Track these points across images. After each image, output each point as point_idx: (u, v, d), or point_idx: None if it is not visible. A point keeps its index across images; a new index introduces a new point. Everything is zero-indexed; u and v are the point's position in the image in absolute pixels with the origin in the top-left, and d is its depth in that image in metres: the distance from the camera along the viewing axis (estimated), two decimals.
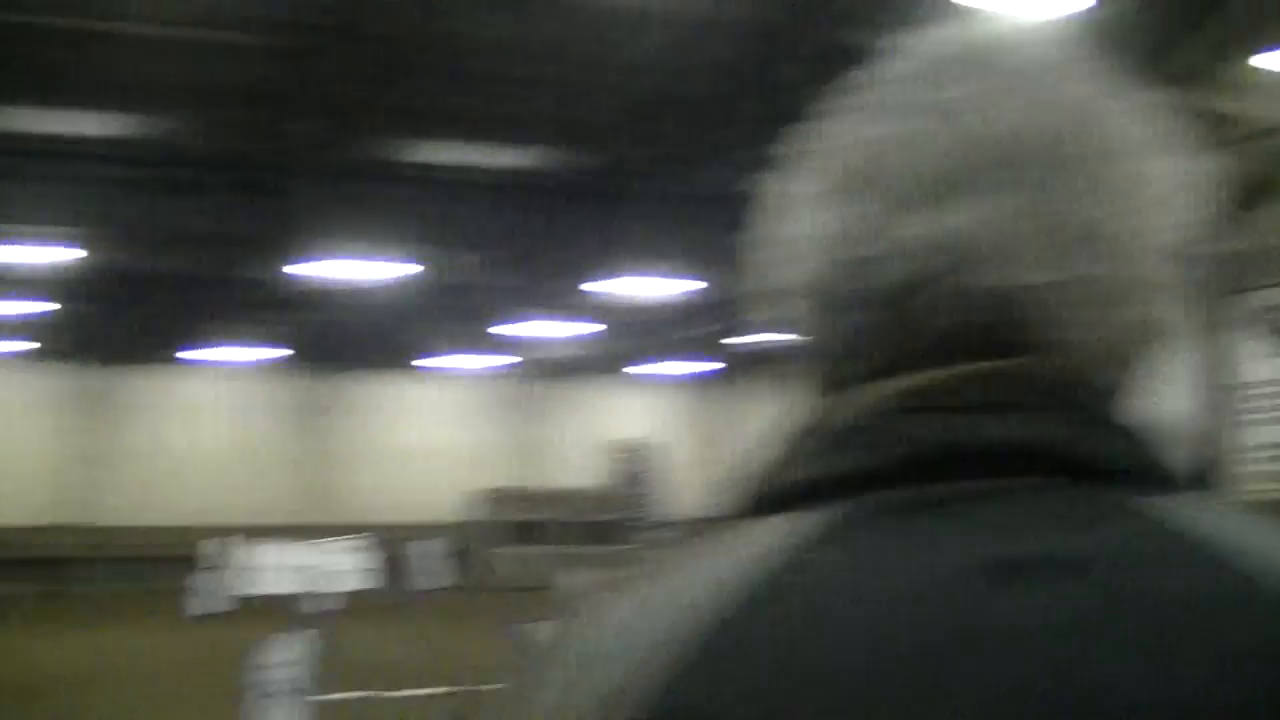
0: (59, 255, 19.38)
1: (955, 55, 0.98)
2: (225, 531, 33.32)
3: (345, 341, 31.21)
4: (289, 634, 12.40)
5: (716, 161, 16.45)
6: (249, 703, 11.94)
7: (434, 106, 16.04)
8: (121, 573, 31.24)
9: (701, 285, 21.30)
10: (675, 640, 0.82)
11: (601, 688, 0.83)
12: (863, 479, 0.88)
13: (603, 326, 27.72)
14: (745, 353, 29.04)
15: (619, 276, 21.29)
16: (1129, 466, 0.90)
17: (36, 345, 30.37)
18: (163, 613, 24.30)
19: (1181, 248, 0.96)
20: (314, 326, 28.32)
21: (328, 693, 12.75)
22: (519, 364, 35.01)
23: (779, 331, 0.99)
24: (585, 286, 22.30)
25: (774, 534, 0.87)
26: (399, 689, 14.44)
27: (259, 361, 33.46)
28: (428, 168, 18.50)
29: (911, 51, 0.99)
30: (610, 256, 20.22)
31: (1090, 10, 16.66)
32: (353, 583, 14.12)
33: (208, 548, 24.30)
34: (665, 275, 20.84)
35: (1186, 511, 0.88)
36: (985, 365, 0.91)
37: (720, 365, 35.17)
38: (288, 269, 20.39)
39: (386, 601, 22.02)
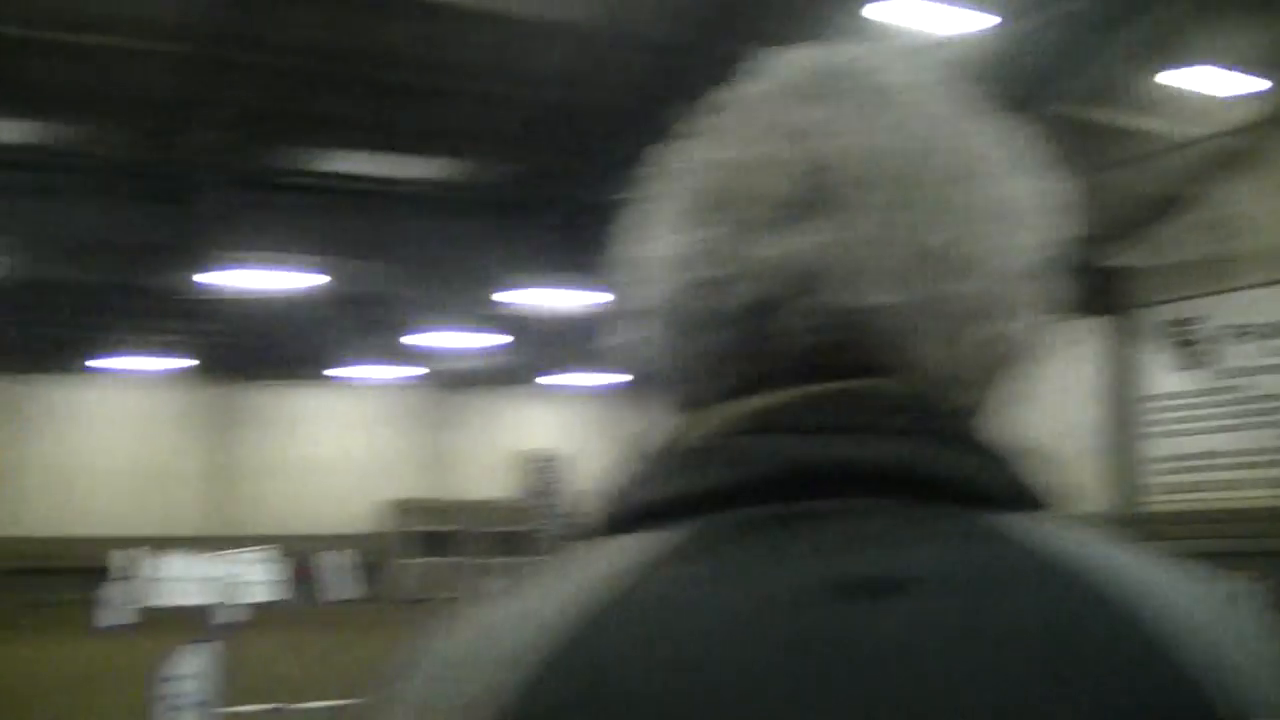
0: None
1: (812, 77, 0.98)
2: (133, 543, 33.20)
3: (254, 351, 30.97)
4: (197, 645, 12.35)
5: (625, 172, 16.49)
6: (156, 716, 11.87)
7: (343, 117, 16.05)
8: (27, 584, 30.77)
9: (611, 296, 21.30)
10: (525, 658, 0.84)
11: (457, 699, 0.85)
12: (715, 499, 0.89)
13: (512, 337, 27.73)
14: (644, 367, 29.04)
15: (528, 287, 21.31)
16: (982, 485, 0.90)
17: None
18: (70, 624, 23.94)
19: (1041, 267, 0.96)
20: (222, 336, 28.12)
21: (235, 705, 12.70)
22: (429, 374, 34.90)
23: (637, 352, 1.01)
24: (495, 297, 22.29)
25: (624, 553, 0.88)
26: (306, 700, 14.38)
27: (167, 371, 33.14)
28: (336, 177, 18.46)
29: (770, 73, 0.99)
30: (519, 267, 20.25)
31: (997, 28, 16.95)
32: (261, 594, 14.09)
33: (115, 559, 24.14)
34: (575, 286, 20.86)
35: (1040, 530, 0.89)
36: (835, 385, 0.91)
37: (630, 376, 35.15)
38: (196, 278, 20.23)
39: (295, 613, 21.93)
